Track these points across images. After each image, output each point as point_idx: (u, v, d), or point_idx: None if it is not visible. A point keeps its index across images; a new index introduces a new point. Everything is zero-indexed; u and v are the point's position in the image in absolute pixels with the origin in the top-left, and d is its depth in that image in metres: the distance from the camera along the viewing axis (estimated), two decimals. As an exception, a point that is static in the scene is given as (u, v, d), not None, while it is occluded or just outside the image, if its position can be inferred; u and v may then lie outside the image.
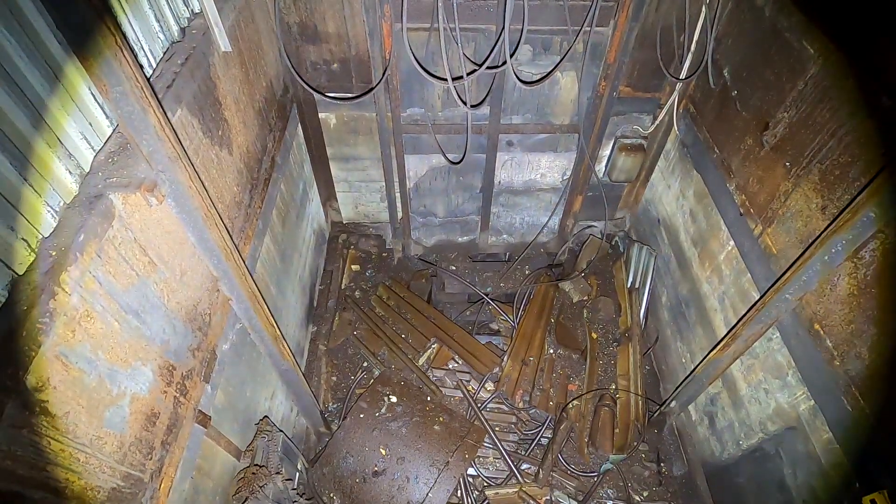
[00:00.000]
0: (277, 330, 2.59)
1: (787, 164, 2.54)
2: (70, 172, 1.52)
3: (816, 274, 2.21)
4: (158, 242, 1.78)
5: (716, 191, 3.18)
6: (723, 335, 3.02)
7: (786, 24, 2.52)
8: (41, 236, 1.39)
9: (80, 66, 1.41)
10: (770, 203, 2.67)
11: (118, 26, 1.35)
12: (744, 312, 2.79)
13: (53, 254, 1.37)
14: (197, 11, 2.28)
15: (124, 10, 1.77)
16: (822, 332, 2.29)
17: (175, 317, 1.90)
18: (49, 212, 1.42)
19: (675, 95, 3.43)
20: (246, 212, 2.62)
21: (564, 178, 3.95)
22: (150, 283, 1.74)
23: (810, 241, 2.33)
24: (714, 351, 2.91)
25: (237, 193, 2.51)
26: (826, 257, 2.14)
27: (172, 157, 1.63)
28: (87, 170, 1.60)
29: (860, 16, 2.12)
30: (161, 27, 2.01)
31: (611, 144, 3.84)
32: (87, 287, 1.42)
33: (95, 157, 1.63)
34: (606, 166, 3.97)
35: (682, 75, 3.17)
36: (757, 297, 2.68)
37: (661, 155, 3.92)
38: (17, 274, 1.30)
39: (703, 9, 2.87)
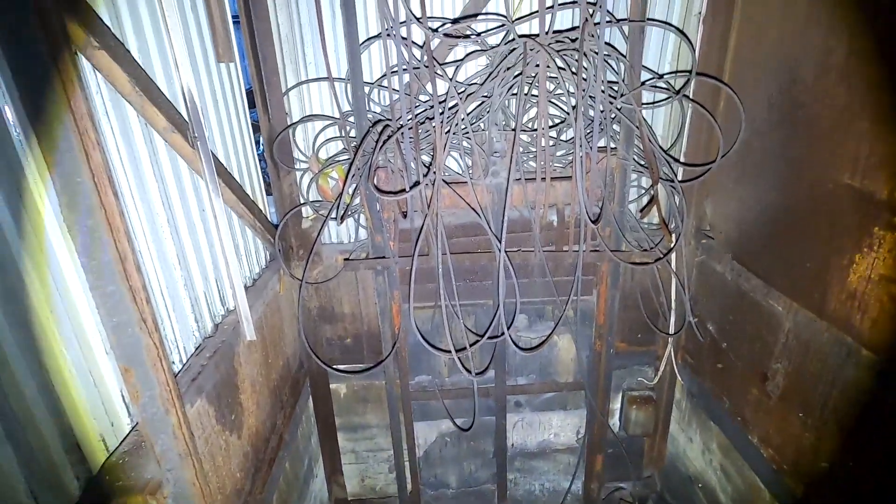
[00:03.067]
0: None
1: (801, 414, 2.50)
2: (77, 479, 1.52)
3: (884, 547, 1.94)
4: (146, 552, 1.64)
5: (739, 444, 3.02)
6: None
7: (748, 286, 2.85)
8: (26, 558, 1.31)
9: (119, 373, 1.58)
10: (799, 458, 2.51)
11: (161, 342, 1.57)
12: None
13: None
14: (231, 308, 2.62)
15: (170, 317, 2.06)
16: None
17: None
18: (43, 527, 1.37)
19: (670, 348, 3.61)
20: (245, 500, 2.46)
21: (579, 436, 3.81)
22: None
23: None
24: None
25: (239, 480, 2.41)
26: (885, 525, 1.91)
27: (183, 454, 1.65)
28: (95, 473, 1.61)
29: (812, 276, 2.42)
30: (198, 326, 2.30)
31: (620, 398, 3.83)
32: None
33: (107, 458, 1.66)
34: (620, 420, 3.87)
35: (671, 331, 3.40)
36: (831, 579, 2.27)
37: (674, 405, 3.86)
38: None
39: (672, 276, 3.28)
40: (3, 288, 1.32)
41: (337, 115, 2.87)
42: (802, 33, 2.28)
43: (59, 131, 1.25)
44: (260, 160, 3.22)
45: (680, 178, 3.00)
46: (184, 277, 2.16)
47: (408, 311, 2.94)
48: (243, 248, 2.86)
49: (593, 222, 2.59)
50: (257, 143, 3.36)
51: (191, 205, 2.26)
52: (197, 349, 2.26)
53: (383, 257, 3.01)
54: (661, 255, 2.80)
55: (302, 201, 3.20)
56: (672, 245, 2.78)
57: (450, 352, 2.73)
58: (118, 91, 1.76)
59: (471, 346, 2.85)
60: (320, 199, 3.18)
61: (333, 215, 2.72)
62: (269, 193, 3.38)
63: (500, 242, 2.60)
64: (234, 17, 2.65)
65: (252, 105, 2.98)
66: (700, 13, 2.88)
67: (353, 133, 2.88)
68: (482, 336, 2.97)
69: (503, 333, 2.85)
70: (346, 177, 2.66)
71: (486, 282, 3.29)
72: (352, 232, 3.45)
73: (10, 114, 1.29)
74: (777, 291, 2.61)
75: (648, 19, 2.65)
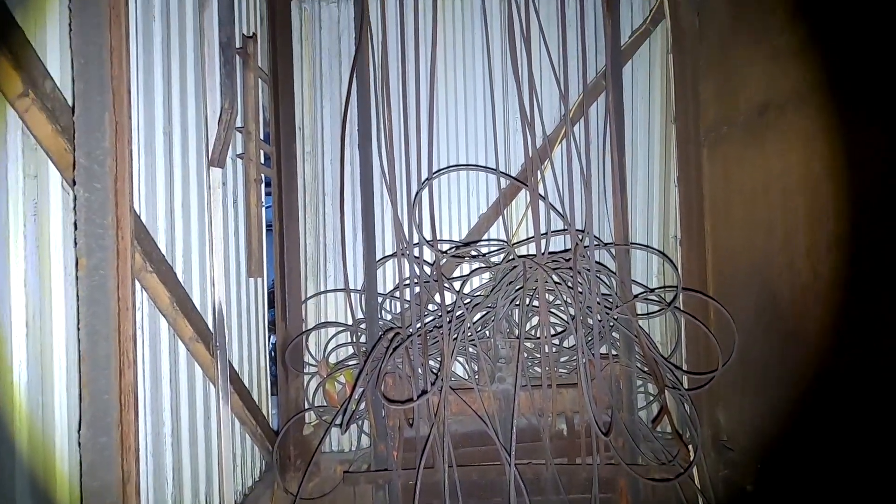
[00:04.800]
0: None
1: None
2: None
3: None
4: None
5: None
6: None
7: (782, 508, 2.60)
8: None
9: None
10: None
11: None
12: None
13: None
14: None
15: (149, 545, 1.87)
16: None
17: None
18: None
19: (712, 587, 3.09)
20: None
21: None
22: None
23: None
24: None
25: None
26: None
27: None
28: None
29: None
30: (176, 556, 2.06)
31: None
32: None
33: None
34: None
35: (709, 564, 2.97)
36: None
37: None
38: None
39: (697, 494, 3.02)
40: None
41: (350, 322, 3.05)
42: (768, 257, 2.57)
43: (102, 349, 1.35)
44: (270, 359, 3.29)
45: (686, 385, 3.01)
46: (173, 496, 2.03)
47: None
48: (240, 458, 2.72)
49: (605, 434, 2.52)
50: (269, 337, 3.49)
51: (198, 413, 2.25)
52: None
53: (386, 469, 2.84)
54: (682, 471, 2.63)
55: (306, 406, 3.17)
56: (692, 459, 2.64)
57: None
58: (157, 306, 1.94)
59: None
60: (325, 403, 3.15)
61: (338, 422, 2.67)
62: (273, 393, 3.36)
63: (509, 455, 2.49)
64: (268, 225, 3.01)
65: (271, 304, 3.19)
66: (676, 236, 3.28)
67: (363, 339, 3.01)
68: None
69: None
70: (355, 383, 2.69)
71: (495, 499, 3.01)
72: (354, 439, 3.31)
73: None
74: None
75: (632, 243, 3.02)
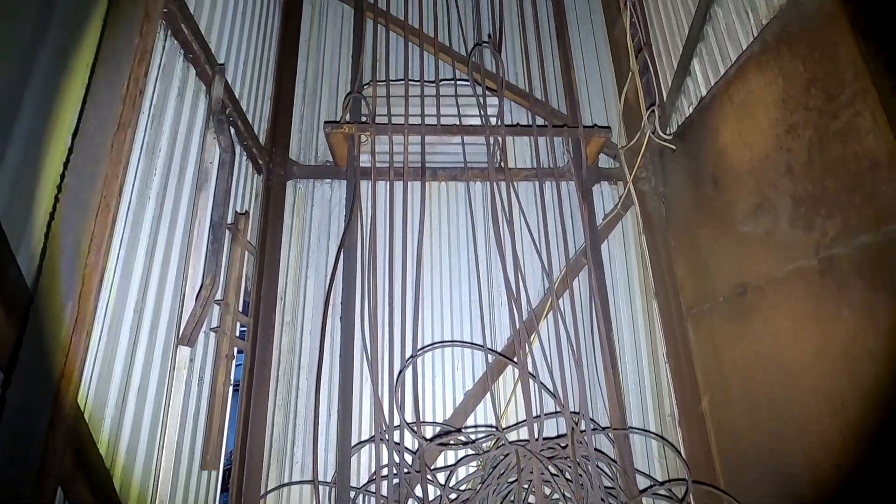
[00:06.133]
0: None
1: None
2: None
3: None
4: None
5: None
6: None
7: None
8: None
9: None
10: None
11: None
12: None
13: None
14: None
15: None
16: None
17: None
18: None
19: None
20: None
21: None
22: None
23: None
24: None
25: None
26: None
27: None
28: None
29: None
30: None
31: None
32: None
33: None
34: None
35: None
36: None
37: None
38: None
39: None
40: None
41: (315, 524, 2.59)
42: (779, 440, 2.37)
43: None
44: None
45: None
46: None
47: None
48: None
49: None
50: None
51: None
52: None
53: None
54: None
55: None
56: None
57: None
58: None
59: None
60: None
61: None
62: None
63: None
64: (235, 385, 2.69)
65: (225, 487, 2.72)
66: (672, 415, 3.08)
67: (329, 547, 2.53)
68: None
69: None
70: None
71: None
72: None
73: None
74: None
75: (630, 427, 2.81)
